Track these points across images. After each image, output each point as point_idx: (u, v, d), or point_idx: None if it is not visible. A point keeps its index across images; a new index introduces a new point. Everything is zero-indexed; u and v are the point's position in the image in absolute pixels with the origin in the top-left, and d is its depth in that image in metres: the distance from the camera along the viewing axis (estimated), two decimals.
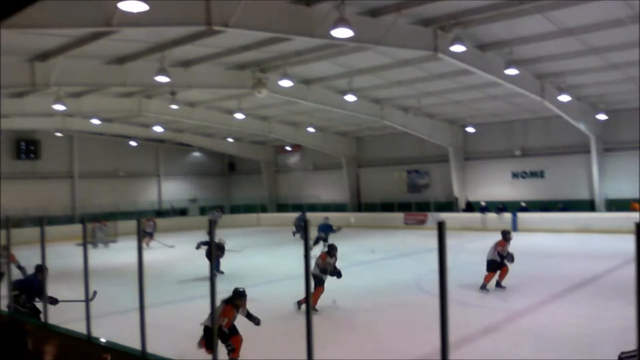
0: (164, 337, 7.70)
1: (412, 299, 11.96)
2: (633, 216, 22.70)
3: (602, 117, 27.47)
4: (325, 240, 19.33)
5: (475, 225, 29.84)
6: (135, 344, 3.35)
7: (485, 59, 18.66)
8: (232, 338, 7.22)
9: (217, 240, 15.36)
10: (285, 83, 19.91)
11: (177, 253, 22.22)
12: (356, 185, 39.81)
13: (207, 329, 7.05)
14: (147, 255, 18.51)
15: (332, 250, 11.32)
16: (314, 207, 38.60)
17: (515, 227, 28.72)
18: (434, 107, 28.69)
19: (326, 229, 19.79)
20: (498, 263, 12.32)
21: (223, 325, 7.07)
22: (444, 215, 30.17)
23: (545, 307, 10.92)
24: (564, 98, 22.83)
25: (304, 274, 2.50)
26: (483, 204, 31.55)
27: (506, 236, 12.69)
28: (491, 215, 30.14)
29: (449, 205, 34.15)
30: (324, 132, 36.69)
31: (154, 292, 11.93)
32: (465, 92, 25.10)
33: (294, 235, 25.93)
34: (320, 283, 11.01)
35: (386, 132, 34.79)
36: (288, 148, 42.53)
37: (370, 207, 37.20)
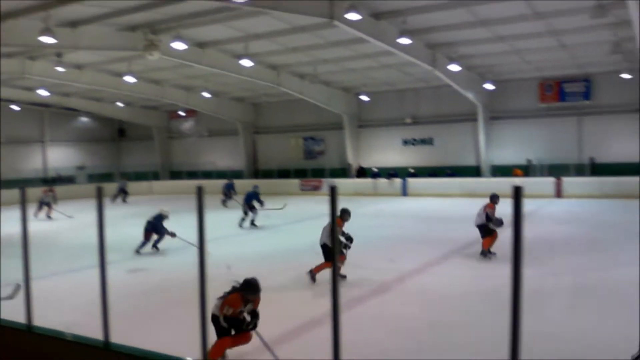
0: (51, 309, 7.42)
1: (307, 263, 12.13)
2: (515, 181, 24.20)
3: (489, 86, 28.96)
4: (251, 209, 18.57)
5: (367, 191, 30.75)
6: (20, 318, 3.22)
7: (380, 28, 19.00)
8: (239, 334, 6.17)
9: (160, 212, 14.50)
10: (179, 45, 19.34)
11: (66, 223, 21.27)
12: (253, 152, 39.67)
13: (215, 318, 6.07)
14: (35, 226, 17.65)
15: (344, 215, 10.43)
16: (209, 174, 38.12)
17: (405, 192, 29.95)
18: (330, 74, 28.97)
19: (251, 198, 19.06)
20: (488, 226, 12.19)
21: (228, 314, 6.08)
22: (337, 181, 30.78)
23: (431, 268, 11.48)
24: (454, 68, 23.75)
25: (198, 243, 2.49)
26: (375, 170, 32.51)
27: (494, 199, 12.52)
28: (382, 181, 31.15)
29: (343, 172, 34.88)
30: (220, 97, 36.10)
31: (40, 263, 11.40)
32: (360, 60, 25.51)
33: (222, 203, 25.67)
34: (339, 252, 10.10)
35: (283, 98, 34.77)
36: (182, 113, 41.50)
37: (267, 174, 37.28)
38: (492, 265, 11.39)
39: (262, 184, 26.74)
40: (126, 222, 20.66)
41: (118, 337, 2.95)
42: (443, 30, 20.59)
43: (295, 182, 34.08)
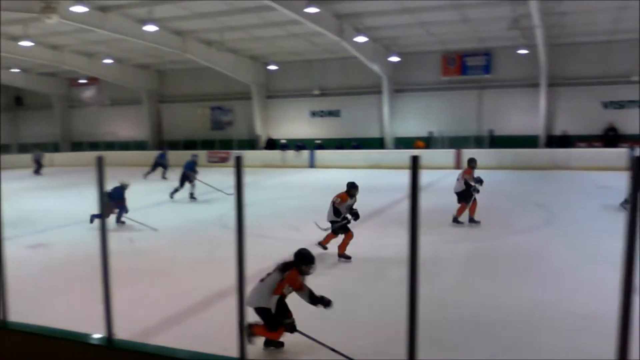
0: None
1: (214, 236, 12.13)
2: (417, 153, 25.04)
3: (394, 59, 29.54)
4: (189, 179, 17.74)
5: (275, 163, 30.87)
6: None
7: None
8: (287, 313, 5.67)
9: (120, 183, 13.43)
10: (79, 9, 18.47)
11: None
12: (158, 122, 38.62)
13: (262, 310, 5.49)
14: None
15: (352, 190, 10.14)
16: (111, 145, 36.86)
17: (312, 164, 30.30)
18: (238, 42, 28.53)
19: (190, 167, 17.98)
20: (467, 192, 12.14)
21: (286, 295, 5.64)
22: (245, 153, 30.65)
23: (336, 237, 11.72)
24: (361, 39, 24.06)
25: (99, 213, 2.44)
26: (283, 141, 32.60)
27: (471, 164, 12.40)
28: (290, 153, 31.33)
29: (252, 143, 34.69)
30: (123, 64, 34.74)
31: None
32: (268, 28, 25.30)
33: (146, 175, 24.56)
34: (344, 229, 9.87)
35: (189, 66, 33.86)
36: (83, 81, 39.61)
37: (173, 145, 36.35)
38: (391, 232, 11.75)
39: (169, 155, 26.24)
40: (26, 195, 19.71)
41: (17, 316, 2.86)
42: (350, 0, 20.76)
43: (202, 154, 33.45)
